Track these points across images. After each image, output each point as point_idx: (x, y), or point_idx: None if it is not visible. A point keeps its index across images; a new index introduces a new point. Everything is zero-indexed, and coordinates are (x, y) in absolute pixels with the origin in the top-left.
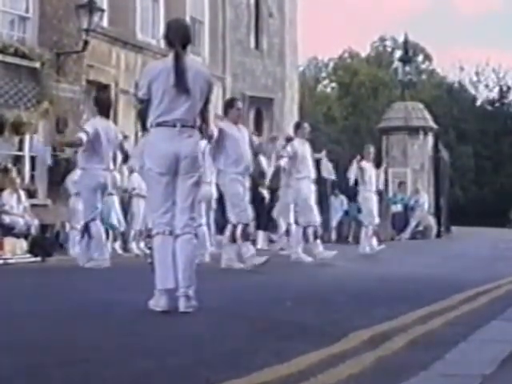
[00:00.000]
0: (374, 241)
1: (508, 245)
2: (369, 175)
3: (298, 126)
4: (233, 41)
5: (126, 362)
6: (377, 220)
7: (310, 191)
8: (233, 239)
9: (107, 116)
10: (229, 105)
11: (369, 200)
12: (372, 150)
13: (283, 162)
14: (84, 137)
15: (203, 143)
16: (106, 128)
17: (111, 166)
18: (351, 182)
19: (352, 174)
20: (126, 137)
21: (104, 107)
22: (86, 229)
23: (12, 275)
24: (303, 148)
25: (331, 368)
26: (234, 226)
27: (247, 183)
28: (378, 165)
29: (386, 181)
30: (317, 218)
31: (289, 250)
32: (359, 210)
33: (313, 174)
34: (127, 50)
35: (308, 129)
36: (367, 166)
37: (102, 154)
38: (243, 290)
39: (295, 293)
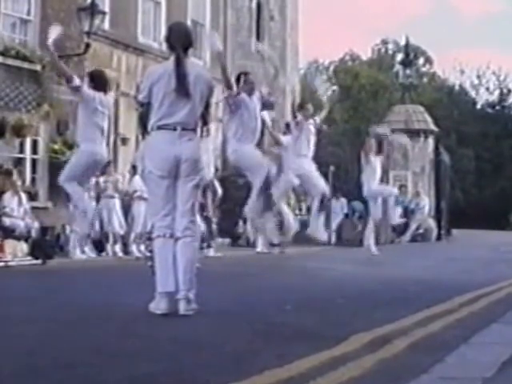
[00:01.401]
0: (373, 240)
1: (508, 247)
2: (374, 167)
3: (301, 107)
4: (234, 44)
5: (126, 364)
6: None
7: (311, 165)
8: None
9: (104, 91)
10: (239, 79)
11: (375, 191)
12: (373, 142)
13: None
14: (77, 81)
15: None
16: (101, 99)
17: (103, 140)
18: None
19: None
20: (124, 139)
21: (100, 83)
22: (67, 196)
23: (12, 278)
24: (307, 128)
25: (332, 371)
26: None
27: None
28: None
29: (387, 183)
30: (321, 187)
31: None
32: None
33: (311, 153)
34: (128, 53)
35: (311, 110)
36: (372, 158)
37: (92, 126)
38: (243, 293)
39: (295, 296)
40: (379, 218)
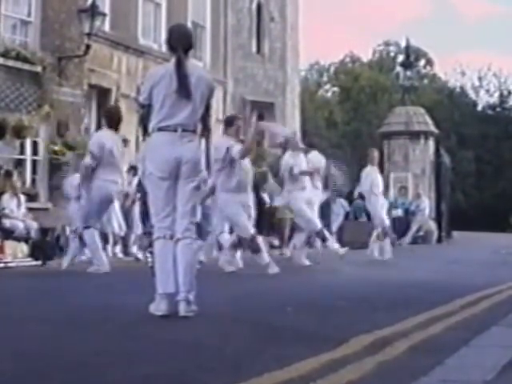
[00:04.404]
0: (388, 245)
1: (509, 250)
2: (374, 179)
3: (286, 142)
4: (234, 45)
5: (126, 366)
6: (386, 222)
7: (302, 201)
8: (234, 246)
9: (116, 129)
10: (228, 123)
11: (376, 204)
12: (376, 154)
13: (296, 169)
14: (91, 162)
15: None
16: (113, 141)
17: (119, 179)
18: (366, 189)
19: (367, 183)
20: (125, 140)
21: (113, 120)
22: (80, 237)
23: (12, 279)
24: (295, 161)
25: (332, 373)
26: (239, 238)
27: (245, 198)
28: (381, 170)
29: (388, 185)
30: (315, 224)
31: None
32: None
33: (308, 184)
34: (129, 55)
35: (297, 141)
36: (372, 170)
37: (109, 166)
38: (243, 295)
39: (296, 298)
40: (381, 228)
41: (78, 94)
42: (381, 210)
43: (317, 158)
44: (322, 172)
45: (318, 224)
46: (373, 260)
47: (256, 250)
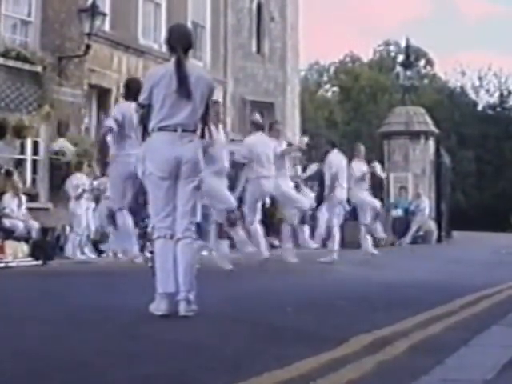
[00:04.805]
0: (370, 242)
1: (509, 250)
2: (361, 174)
3: (270, 128)
4: (234, 45)
5: (126, 366)
6: (377, 204)
7: (283, 185)
8: (220, 236)
9: (134, 100)
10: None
11: (362, 199)
12: (362, 148)
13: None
14: (113, 125)
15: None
16: (130, 112)
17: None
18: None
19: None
20: None
21: (132, 91)
22: (113, 219)
23: (13, 279)
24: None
25: (332, 372)
26: (220, 224)
27: (225, 182)
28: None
29: (388, 185)
30: (303, 203)
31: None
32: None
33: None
34: (129, 54)
35: (280, 130)
36: (358, 164)
37: (129, 140)
38: (243, 295)
39: (296, 298)
40: (367, 222)
41: (78, 93)
42: (366, 206)
43: (338, 158)
44: (346, 171)
45: (306, 203)
46: (371, 259)
47: (233, 223)
